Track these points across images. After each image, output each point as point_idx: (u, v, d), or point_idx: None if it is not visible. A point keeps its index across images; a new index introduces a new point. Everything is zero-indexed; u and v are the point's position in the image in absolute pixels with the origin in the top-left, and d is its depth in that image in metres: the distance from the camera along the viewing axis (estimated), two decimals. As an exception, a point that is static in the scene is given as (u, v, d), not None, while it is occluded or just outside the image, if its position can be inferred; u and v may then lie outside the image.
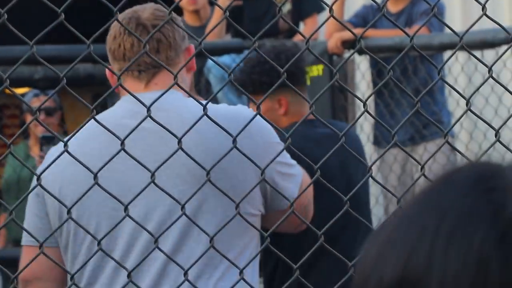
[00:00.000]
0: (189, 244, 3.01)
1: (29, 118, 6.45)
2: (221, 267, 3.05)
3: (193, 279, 2.94)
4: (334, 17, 2.90)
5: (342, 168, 4.16)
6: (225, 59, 6.11)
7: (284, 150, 2.99)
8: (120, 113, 3.01)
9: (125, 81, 2.98)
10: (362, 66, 6.40)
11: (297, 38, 6.07)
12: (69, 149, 2.67)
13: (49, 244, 2.95)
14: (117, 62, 3.09)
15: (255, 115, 2.95)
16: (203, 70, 6.33)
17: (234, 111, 3.10)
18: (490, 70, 2.90)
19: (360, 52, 5.61)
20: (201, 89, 6.49)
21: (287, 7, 6.37)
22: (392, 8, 6.16)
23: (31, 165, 6.20)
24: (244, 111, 3.14)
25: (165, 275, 3.04)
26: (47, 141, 5.91)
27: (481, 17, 2.80)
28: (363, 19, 5.98)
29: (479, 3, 2.77)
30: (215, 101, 6.07)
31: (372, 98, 6.03)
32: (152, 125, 2.75)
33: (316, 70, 5.76)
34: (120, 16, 2.92)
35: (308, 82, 5.13)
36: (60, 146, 2.90)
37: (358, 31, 5.53)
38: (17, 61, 2.88)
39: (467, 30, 2.99)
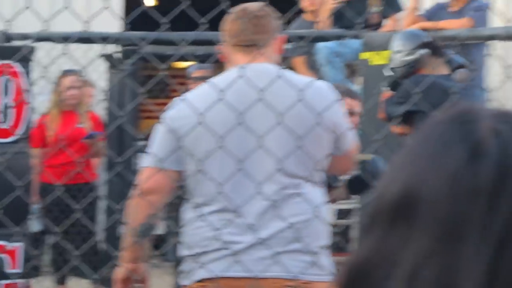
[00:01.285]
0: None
1: (191, 84, 6.34)
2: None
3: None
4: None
5: None
6: (331, 44, 6.23)
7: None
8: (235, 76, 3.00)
9: (236, 54, 3.11)
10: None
11: (387, 27, 6.29)
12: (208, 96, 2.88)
13: (174, 167, 2.97)
14: (232, 39, 3.13)
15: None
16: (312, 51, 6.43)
17: (313, 83, 3.06)
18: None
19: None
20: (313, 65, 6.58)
21: (376, 7, 6.45)
22: (453, 7, 5.92)
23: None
24: (321, 83, 3.13)
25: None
26: None
27: None
28: (432, 14, 5.83)
29: None
30: (321, 76, 6.34)
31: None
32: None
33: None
34: (234, 9, 3.13)
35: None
36: (195, 96, 3.05)
37: (427, 24, 5.64)
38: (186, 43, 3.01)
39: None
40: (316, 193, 3.01)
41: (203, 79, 6.27)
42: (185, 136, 2.95)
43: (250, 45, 3.11)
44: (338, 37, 5.57)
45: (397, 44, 4.76)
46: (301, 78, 3.06)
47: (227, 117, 2.90)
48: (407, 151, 0.94)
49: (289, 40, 6.15)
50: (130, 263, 3.02)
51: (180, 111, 3.00)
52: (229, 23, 3.10)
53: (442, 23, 5.33)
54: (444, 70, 4.48)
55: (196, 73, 6.48)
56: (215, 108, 2.90)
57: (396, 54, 4.56)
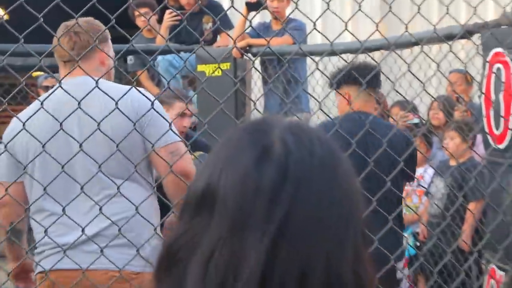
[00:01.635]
0: None
1: (41, 92, 6.27)
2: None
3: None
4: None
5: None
6: (168, 57, 6.44)
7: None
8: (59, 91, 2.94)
9: (60, 68, 3.18)
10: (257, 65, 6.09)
11: (219, 43, 6.53)
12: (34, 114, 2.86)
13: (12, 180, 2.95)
14: (55, 54, 3.20)
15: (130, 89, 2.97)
16: (154, 63, 6.51)
17: (133, 90, 3.02)
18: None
19: (255, 55, 5.82)
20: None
21: (209, 24, 6.65)
22: (275, 26, 6.26)
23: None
24: (135, 90, 3.03)
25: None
26: None
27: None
28: (256, 33, 6.03)
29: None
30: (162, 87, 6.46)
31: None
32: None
33: (225, 66, 5.90)
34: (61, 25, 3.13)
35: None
36: (25, 113, 3.02)
37: (253, 41, 5.99)
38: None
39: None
40: (137, 192, 3.02)
41: (53, 88, 6.33)
42: (18, 151, 3.03)
43: (68, 60, 3.13)
44: (177, 51, 5.70)
45: None
46: (117, 87, 3.01)
47: (50, 129, 2.89)
48: (212, 153, 0.99)
49: (130, 54, 6.35)
50: (14, 262, 3.19)
51: (13, 128, 3.03)
52: (54, 39, 3.10)
53: (265, 41, 5.55)
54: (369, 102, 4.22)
55: (45, 82, 6.49)
56: (38, 122, 2.94)
57: None
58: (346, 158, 0.98)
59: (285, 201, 0.91)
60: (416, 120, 5.79)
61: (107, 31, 3.21)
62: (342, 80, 3.82)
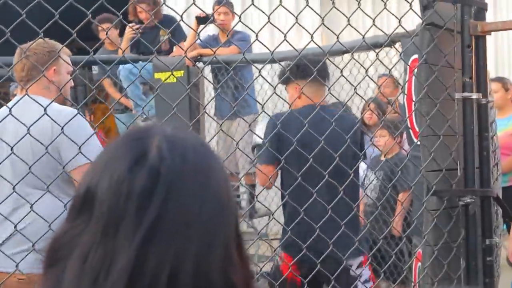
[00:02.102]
0: None
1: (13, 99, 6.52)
2: None
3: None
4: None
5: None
6: (128, 66, 6.43)
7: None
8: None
9: (19, 89, 3.26)
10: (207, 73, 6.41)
11: (174, 53, 6.56)
12: None
13: None
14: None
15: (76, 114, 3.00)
16: (117, 72, 6.61)
17: (60, 111, 3.05)
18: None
19: (205, 63, 6.06)
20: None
21: (166, 36, 6.75)
22: (222, 38, 6.35)
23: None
24: (67, 112, 3.06)
25: None
26: None
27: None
28: (206, 43, 6.11)
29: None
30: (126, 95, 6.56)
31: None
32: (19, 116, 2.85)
33: (179, 74, 6.00)
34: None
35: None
36: None
37: (203, 51, 6.10)
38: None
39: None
40: (48, 201, 2.98)
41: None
42: None
43: (21, 81, 3.22)
44: (135, 61, 5.78)
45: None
46: (50, 108, 2.85)
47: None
48: (96, 158, 0.97)
49: (93, 64, 6.39)
50: None
51: None
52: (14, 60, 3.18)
53: (214, 51, 5.65)
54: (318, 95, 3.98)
55: (16, 91, 6.49)
56: None
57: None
58: (220, 165, 0.97)
59: (156, 205, 0.90)
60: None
61: (59, 50, 3.20)
62: (292, 76, 3.84)
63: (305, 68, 3.61)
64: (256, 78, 4.67)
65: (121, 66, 6.55)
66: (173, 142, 0.94)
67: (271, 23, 2.87)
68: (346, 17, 3.06)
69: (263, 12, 2.78)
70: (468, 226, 3.12)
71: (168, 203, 0.90)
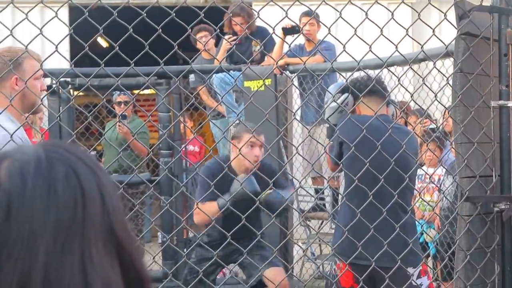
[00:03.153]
0: None
1: (116, 107, 6.86)
2: None
3: None
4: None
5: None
6: (220, 74, 6.63)
7: None
8: None
9: None
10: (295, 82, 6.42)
11: (264, 63, 6.73)
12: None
13: None
14: None
15: None
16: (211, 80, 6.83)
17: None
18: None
19: (292, 72, 6.15)
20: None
21: (257, 47, 6.92)
22: (308, 47, 6.56)
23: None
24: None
25: None
26: (122, 118, 6.60)
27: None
28: (293, 52, 6.11)
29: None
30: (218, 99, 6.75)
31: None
32: None
33: (267, 82, 6.01)
34: None
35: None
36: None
37: (291, 60, 6.24)
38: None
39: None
40: None
41: (125, 103, 6.68)
42: None
43: None
44: (228, 70, 5.96)
45: (326, 97, 4.43)
46: None
47: None
48: None
49: (190, 73, 6.61)
50: None
51: None
52: None
53: (300, 60, 5.75)
54: (382, 110, 3.79)
55: (119, 98, 6.79)
56: None
57: (325, 105, 4.15)
58: (63, 182, 0.92)
59: (16, 227, 0.88)
60: (432, 126, 5.88)
61: (21, 58, 3.09)
62: (361, 92, 3.79)
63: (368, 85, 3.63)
64: (342, 86, 4.71)
65: (214, 76, 6.72)
66: (20, 163, 0.92)
67: (357, 35, 2.86)
68: (431, 28, 3.04)
69: (350, 25, 2.79)
70: (503, 232, 3.08)
71: (9, 222, 0.88)
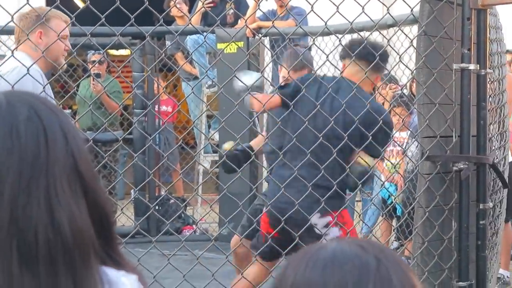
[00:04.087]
0: None
1: (90, 65, 6.66)
2: None
3: None
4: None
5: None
6: (193, 36, 6.62)
7: None
8: None
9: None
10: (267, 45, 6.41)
11: (237, 26, 6.70)
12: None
13: None
14: None
15: None
16: (185, 42, 6.78)
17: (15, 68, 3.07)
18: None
19: (264, 35, 6.15)
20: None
21: (231, 11, 6.88)
22: (279, 12, 6.42)
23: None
24: (20, 70, 2.95)
25: None
26: (96, 76, 6.52)
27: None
28: (265, 17, 6.15)
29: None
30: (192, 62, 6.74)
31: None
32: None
33: (240, 44, 6.02)
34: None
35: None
36: None
37: (263, 23, 6.22)
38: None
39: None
40: None
41: (99, 62, 6.63)
42: None
43: (15, 42, 3.38)
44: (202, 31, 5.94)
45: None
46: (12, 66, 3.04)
47: None
48: None
49: (165, 34, 6.57)
50: None
51: None
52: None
53: (272, 23, 5.73)
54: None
55: (93, 57, 6.73)
56: None
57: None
58: (25, 123, 0.92)
59: None
60: (400, 91, 5.91)
61: (48, 16, 3.30)
62: (344, 54, 3.72)
63: (367, 49, 3.38)
64: (309, 47, 4.69)
65: (188, 37, 6.69)
66: None
67: None
68: None
69: None
70: (461, 190, 3.10)
71: None
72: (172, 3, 6.82)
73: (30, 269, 0.86)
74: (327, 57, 3.13)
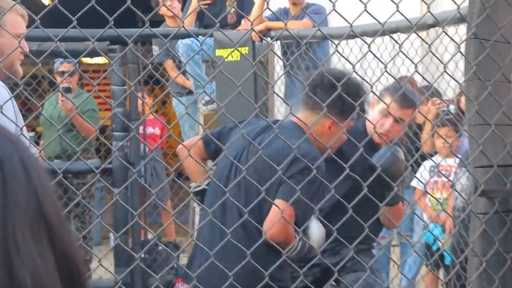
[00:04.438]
0: None
1: (58, 77, 6.79)
2: None
3: None
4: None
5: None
6: (186, 40, 6.66)
7: None
8: None
9: None
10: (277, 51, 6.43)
11: (241, 27, 6.77)
12: None
13: None
14: None
15: None
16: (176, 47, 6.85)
17: None
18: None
19: (272, 38, 6.09)
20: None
21: (233, 9, 6.91)
22: (293, 11, 6.50)
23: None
24: None
25: None
26: (65, 91, 6.56)
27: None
28: (275, 17, 6.12)
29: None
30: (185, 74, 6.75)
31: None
32: None
33: (244, 50, 6.05)
34: None
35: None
36: None
37: (272, 24, 6.23)
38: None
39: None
40: None
41: (68, 73, 6.66)
42: None
43: None
44: (196, 35, 5.95)
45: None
46: None
47: None
48: None
49: (150, 38, 6.59)
50: None
51: None
52: None
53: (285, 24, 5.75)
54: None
55: (62, 67, 6.77)
56: None
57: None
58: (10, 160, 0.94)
59: None
60: (451, 107, 5.88)
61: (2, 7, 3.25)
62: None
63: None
64: (331, 55, 4.67)
65: (179, 42, 6.71)
66: None
67: None
68: None
69: None
70: None
71: None
72: (161, 0, 6.91)
73: None
74: (353, 66, 3.13)
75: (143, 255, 6.27)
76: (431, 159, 5.67)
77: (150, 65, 3.20)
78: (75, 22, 2.46)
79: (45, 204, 0.92)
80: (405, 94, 3.86)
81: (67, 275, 0.93)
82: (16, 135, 0.95)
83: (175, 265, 6.65)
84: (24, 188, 0.91)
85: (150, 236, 6.69)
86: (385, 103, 3.73)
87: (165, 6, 6.69)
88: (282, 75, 5.87)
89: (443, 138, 5.23)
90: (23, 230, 0.89)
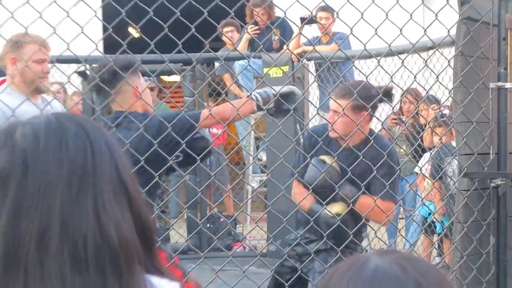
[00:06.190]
0: None
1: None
2: None
3: None
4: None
5: None
6: (241, 62, 6.67)
7: None
8: None
9: None
10: (311, 69, 6.43)
11: (283, 51, 6.61)
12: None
13: None
14: None
15: None
16: (233, 67, 6.88)
17: None
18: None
19: (308, 60, 6.21)
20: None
21: (277, 37, 6.94)
22: (324, 40, 6.51)
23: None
24: None
25: None
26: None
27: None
28: (309, 43, 6.00)
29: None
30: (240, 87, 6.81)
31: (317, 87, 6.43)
32: None
33: (285, 68, 6.04)
34: None
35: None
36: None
37: (307, 48, 6.21)
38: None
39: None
40: None
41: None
42: None
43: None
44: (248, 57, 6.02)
45: None
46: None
47: None
48: None
49: (216, 60, 6.67)
50: None
51: None
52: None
53: (317, 48, 5.77)
54: None
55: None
56: None
57: None
58: (73, 138, 0.95)
59: (15, 179, 0.91)
60: (446, 111, 5.83)
61: (22, 42, 3.28)
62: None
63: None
64: (348, 69, 4.65)
65: (236, 63, 6.75)
66: (30, 128, 0.95)
67: (364, 19, 2.70)
68: (433, 12, 2.94)
69: (357, 8, 2.74)
70: (499, 206, 3.10)
71: (26, 176, 0.92)
72: (224, 30, 6.97)
73: (80, 272, 0.89)
74: (366, 77, 3.14)
75: (208, 225, 6.35)
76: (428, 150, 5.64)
77: (212, 82, 3.26)
78: (153, 46, 2.47)
79: (124, 175, 0.96)
80: (342, 86, 3.52)
81: (141, 231, 0.96)
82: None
83: (232, 232, 6.72)
84: (108, 163, 0.95)
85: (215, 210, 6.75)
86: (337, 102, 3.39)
87: (226, 36, 6.74)
88: (311, 82, 5.83)
89: (438, 135, 5.19)
90: (108, 194, 0.93)
